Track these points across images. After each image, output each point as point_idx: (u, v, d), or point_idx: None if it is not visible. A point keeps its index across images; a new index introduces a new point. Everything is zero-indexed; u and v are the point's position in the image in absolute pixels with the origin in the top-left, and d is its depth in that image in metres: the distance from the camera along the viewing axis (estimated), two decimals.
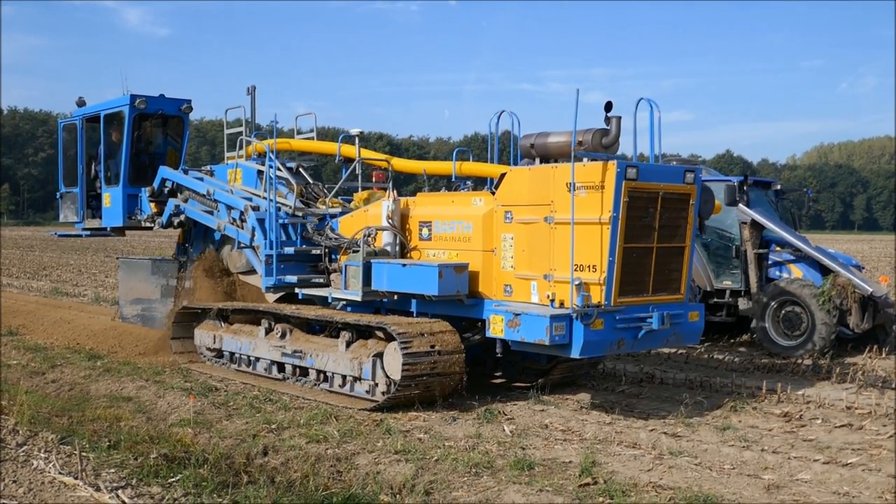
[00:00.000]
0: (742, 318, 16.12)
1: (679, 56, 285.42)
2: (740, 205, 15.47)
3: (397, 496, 7.81)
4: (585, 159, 10.01)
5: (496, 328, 10.26)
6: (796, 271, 15.53)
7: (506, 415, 10.47)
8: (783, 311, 15.06)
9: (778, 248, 15.81)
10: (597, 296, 9.80)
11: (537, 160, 10.78)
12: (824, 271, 15.21)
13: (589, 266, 9.84)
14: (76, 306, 21.75)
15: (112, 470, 8.35)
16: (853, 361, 14.37)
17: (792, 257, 15.64)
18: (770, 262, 15.87)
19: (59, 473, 8.16)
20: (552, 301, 10.00)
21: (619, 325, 10.02)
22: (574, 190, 9.81)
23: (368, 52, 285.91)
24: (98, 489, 7.68)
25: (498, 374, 12.82)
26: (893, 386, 12.37)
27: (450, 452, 8.76)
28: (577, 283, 9.72)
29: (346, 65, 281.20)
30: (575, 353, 9.79)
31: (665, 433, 9.77)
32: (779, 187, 17.19)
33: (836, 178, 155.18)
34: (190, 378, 12.82)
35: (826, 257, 15.25)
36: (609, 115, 10.16)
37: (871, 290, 14.62)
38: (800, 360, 14.19)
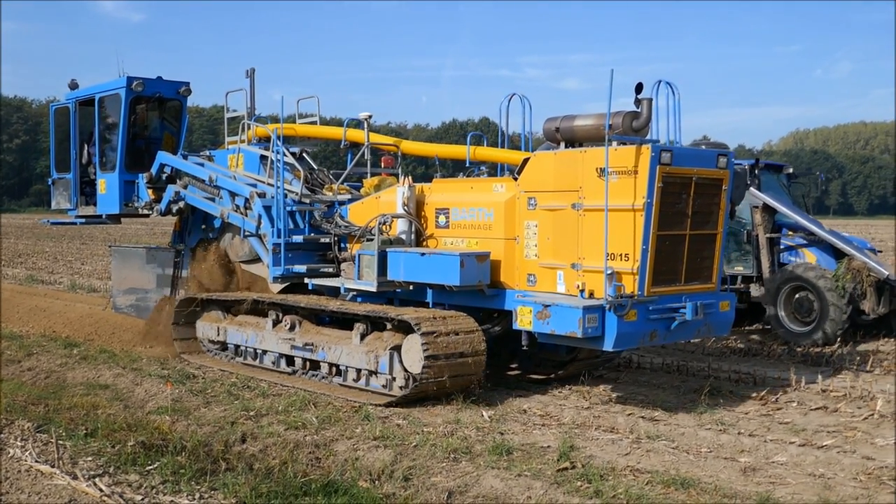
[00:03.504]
0: (755, 305, 15.64)
1: (656, 42, 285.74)
2: (752, 188, 14.91)
3: (376, 482, 7.72)
4: (615, 143, 9.56)
5: (524, 320, 9.80)
6: (810, 256, 15.15)
7: (485, 400, 10.29)
8: (795, 297, 14.69)
9: (790, 233, 15.44)
10: (630, 286, 9.39)
11: (562, 144, 10.34)
12: (838, 255, 14.84)
13: (621, 255, 9.42)
14: (52, 294, 21.50)
15: (89, 458, 8.28)
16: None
17: (805, 241, 15.28)
18: (783, 246, 15.51)
19: (36, 462, 8.08)
20: (581, 291, 9.57)
21: (652, 316, 9.62)
22: (607, 175, 9.37)
23: (346, 38, 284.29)
24: (75, 477, 7.62)
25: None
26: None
27: (428, 438, 8.73)
28: (609, 272, 9.30)
29: (324, 51, 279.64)
30: (608, 346, 9.38)
31: (643, 417, 9.81)
32: (791, 171, 16.83)
33: (811, 164, 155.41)
34: (167, 366, 12.70)
35: (840, 241, 14.89)
36: (640, 97, 9.74)
37: (886, 273, 14.22)
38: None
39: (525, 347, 10.25)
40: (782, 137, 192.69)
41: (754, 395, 10.89)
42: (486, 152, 12.24)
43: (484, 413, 9.78)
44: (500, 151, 11.99)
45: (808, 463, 8.12)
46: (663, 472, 7.72)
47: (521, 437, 8.92)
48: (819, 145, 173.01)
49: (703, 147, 10.67)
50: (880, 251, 16.60)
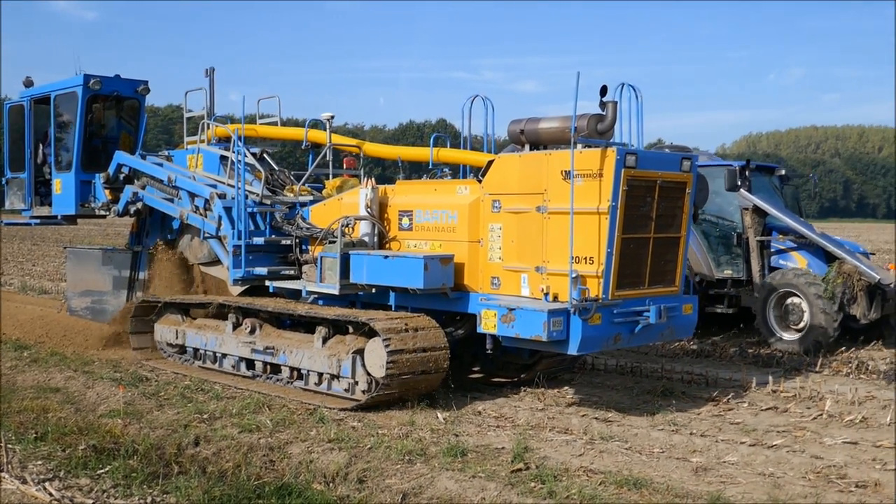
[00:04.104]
0: (745, 310, 15.37)
1: (612, 45, 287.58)
2: (742, 190, 14.87)
3: (330, 484, 7.68)
4: (580, 146, 9.52)
5: (488, 323, 9.74)
6: (800, 259, 14.89)
7: (440, 402, 10.25)
8: (784, 304, 14.41)
9: (780, 236, 15.17)
10: (594, 289, 9.36)
11: (526, 147, 10.30)
12: (829, 259, 14.59)
13: (586, 258, 9.39)
14: (2, 295, 20.93)
15: (39, 462, 8.17)
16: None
17: (795, 245, 15.02)
18: (773, 249, 15.21)
19: None
20: (546, 295, 9.54)
21: (616, 320, 9.60)
22: (572, 178, 9.33)
23: (303, 39, 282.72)
24: (24, 482, 7.51)
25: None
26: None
27: (383, 440, 8.73)
28: (574, 275, 9.26)
29: (280, 52, 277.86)
30: (573, 350, 9.35)
31: (597, 418, 9.87)
32: (783, 173, 16.59)
33: None
34: (120, 368, 12.53)
35: (831, 244, 14.63)
36: (604, 99, 9.71)
37: (878, 277, 13.96)
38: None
39: (489, 351, 10.20)
40: (735, 141, 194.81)
41: (706, 395, 11.00)
42: (449, 154, 12.16)
43: (439, 415, 9.77)
44: (463, 153, 11.92)
45: (758, 462, 8.23)
46: (616, 472, 7.81)
47: (475, 438, 8.94)
48: (771, 149, 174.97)
49: (667, 150, 10.66)
50: (873, 254, 16.48)
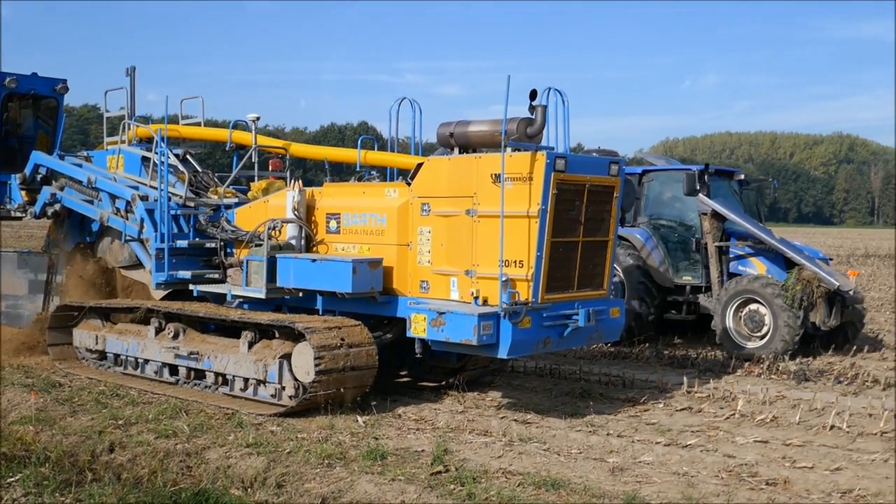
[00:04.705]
0: (704, 316, 15.14)
1: (532, 50, 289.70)
2: (700, 195, 14.66)
3: (248, 490, 7.60)
4: (509, 149, 9.53)
5: (418, 327, 9.68)
6: (759, 265, 14.63)
7: (360, 406, 10.21)
8: (745, 310, 14.19)
9: (739, 242, 14.95)
10: (524, 292, 9.37)
11: (456, 150, 10.26)
12: (789, 265, 14.37)
13: (516, 261, 9.39)
14: None
15: None
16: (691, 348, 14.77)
17: (753, 251, 14.78)
18: (732, 255, 14.98)
19: None
20: (476, 298, 9.51)
21: (545, 323, 9.63)
22: (503, 182, 9.33)
23: (222, 39, 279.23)
24: None
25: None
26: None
27: (302, 444, 8.69)
28: (504, 279, 9.25)
29: (198, 52, 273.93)
30: (503, 354, 9.33)
31: (515, 420, 9.93)
32: (742, 177, 16.34)
33: None
34: (32, 374, 12.22)
35: (791, 250, 14.42)
36: (534, 103, 9.73)
37: (837, 283, 13.79)
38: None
39: (418, 355, 10.14)
40: (653, 146, 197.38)
41: (623, 397, 11.15)
42: (376, 156, 12.09)
43: (359, 418, 9.73)
44: (391, 156, 11.85)
45: (672, 462, 8.36)
46: (535, 473, 7.86)
47: (395, 441, 8.94)
48: (687, 154, 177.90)
49: (595, 154, 10.72)
50: (831, 259, 16.30)
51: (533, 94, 9.69)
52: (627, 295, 15.06)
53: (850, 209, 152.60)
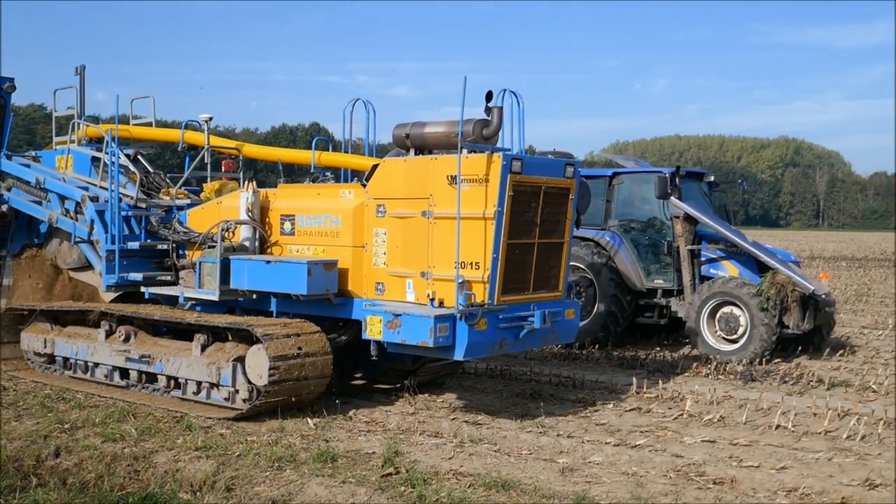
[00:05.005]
0: (677, 320, 15.08)
1: (484, 52, 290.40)
2: (673, 198, 14.52)
3: (197, 494, 7.58)
4: (465, 151, 9.51)
5: (374, 329, 9.62)
6: (731, 269, 14.53)
7: (311, 408, 10.19)
8: (719, 313, 14.10)
9: (711, 245, 14.85)
10: (480, 294, 9.36)
11: (412, 151, 10.23)
12: (761, 268, 14.30)
13: (472, 263, 9.38)
14: None
15: None
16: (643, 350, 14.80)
17: (725, 254, 14.69)
18: (703, 258, 14.85)
19: None
20: (432, 300, 9.48)
21: (501, 325, 9.62)
22: (459, 183, 9.31)
23: (171, 38, 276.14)
24: None
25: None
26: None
27: (252, 447, 8.66)
28: (460, 281, 9.24)
29: (148, 51, 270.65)
30: (459, 356, 9.32)
31: (466, 422, 9.96)
32: (712, 179, 16.19)
33: None
34: None
35: (764, 253, 14.32)
36: (490, 105, 9.73)
37: (812, 288, 13.70)
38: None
39: (374, 358, 10.09)
40: (603, 148, 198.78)
41: (573, 397, 11.23)
42: (331, 157, 12.00)
43: (309, 421, 9.69)
44: (345, 157, 11.78)
45: (622, 462, 8.44)
46: (485, 474, 7.89)
47: (346, 443, 8.92)
48: (637, 156, 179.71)
49: (551, 156, 10.73)
50: (801, 261, 16.19)
51: (489, 96, 9.69)
52: (599, 299, 14.94)
53: (795, 212, 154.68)
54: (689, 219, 14.65)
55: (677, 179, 14.70)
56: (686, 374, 12.90)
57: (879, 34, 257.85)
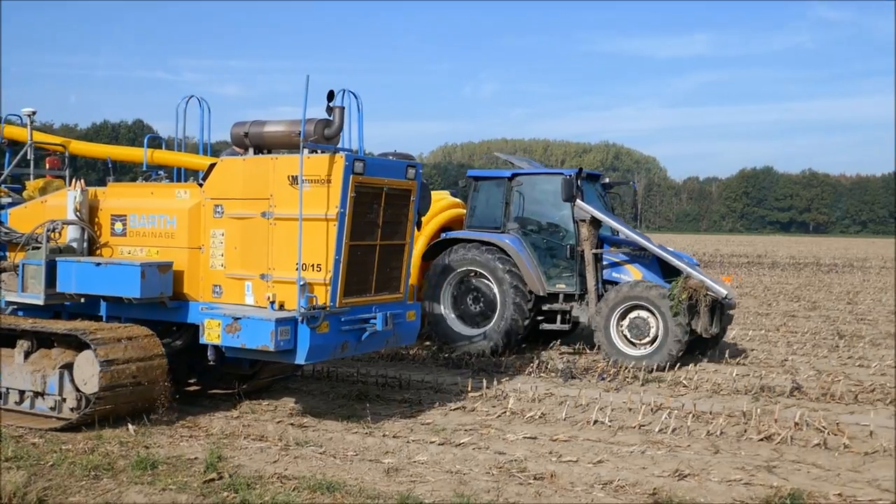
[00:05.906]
0: (578, 325, 14.80)
1: (313, 52, 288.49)
2: (578, 201, 14.03)
3: None
4: (307, 151, 9.37)
5: (212, 333, 9.33)
6: (635, 272, 14.25)
7: (131, 416, 9.81)
8: (628, 318, 13.75)
9: (613, 248, 14.63)
10: (322, 297, 9.24)
11: (251, 150, 10.00)
12: (665, 272, 14.07)
13: (313, 265, 9.24)
14: None
15: None
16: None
17: (628, 257, 14.42)
18: (606, 262, 14.49)
19: None
20: (272, 303, 9.28)
21: (343, 328, 9.53)
22: (301, 184, 9.15)
23: None
24: None
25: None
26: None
27: (67, 456, 8.38)
28: (302, 283, 9.09)
29: None
30: (301, 360, 9.16)
31: (292, 424, 9.92)
32: (607, 180, 15.94)
33: (458, 177, 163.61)
34: None
35: (673, 257, 14.03)
36: (331, 104, 9.62)
37: (725, 292, 13.53)
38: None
39: (212, 362, 9.79)
40: (432, 151, 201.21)
41: (400, 398, 11.31)
42: (164, 156, 11.64)
43: (129, 427, 9.36)
44: (179, 155, 11.45)
45: (446, 460, 8.56)
46: (310, 477, 7.88)
47: (167, 449, 8.71)
48: (465, 159, 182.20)
49: (392, 158, 10.71)
50: (699, 264, 15.83)
51: (330, 95, 9.59)
52: (500, 304, 14.52)
53: (616, 214, 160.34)
54: (594, 222, 14.26)
55: (579, 181, 14.28)
56: (510, 373, 13.10)
57: (698, 44, 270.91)
